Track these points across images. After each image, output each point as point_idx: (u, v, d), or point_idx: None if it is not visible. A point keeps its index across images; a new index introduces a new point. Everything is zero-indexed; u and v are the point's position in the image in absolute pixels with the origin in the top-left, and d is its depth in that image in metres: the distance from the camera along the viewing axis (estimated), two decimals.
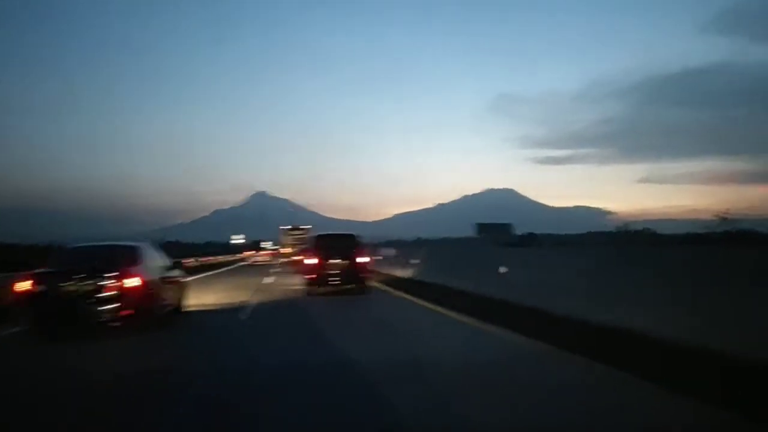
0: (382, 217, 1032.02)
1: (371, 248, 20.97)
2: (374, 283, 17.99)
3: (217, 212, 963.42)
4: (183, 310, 12.24)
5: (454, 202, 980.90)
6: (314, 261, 15.75)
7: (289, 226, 45.63)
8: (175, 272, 11.74)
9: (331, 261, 15.67)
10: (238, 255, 59.05)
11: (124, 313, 8.72)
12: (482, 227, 43.58)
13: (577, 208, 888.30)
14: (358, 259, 15.78)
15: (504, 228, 44.34)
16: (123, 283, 8.78)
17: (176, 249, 68.47)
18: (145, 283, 9.05)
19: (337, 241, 16.63)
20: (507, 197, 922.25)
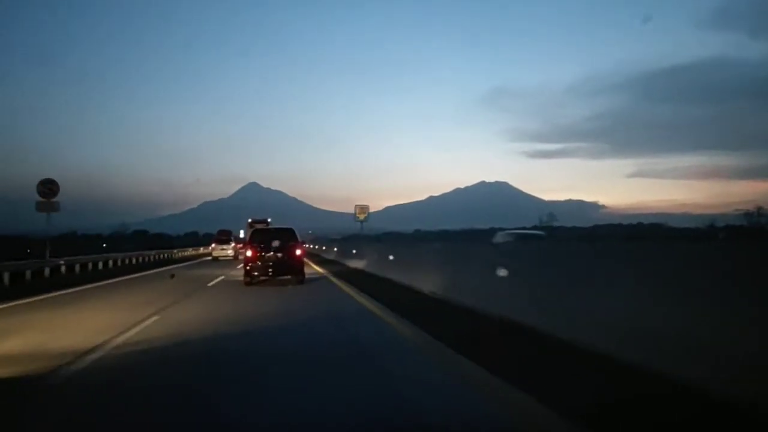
0: (374, 209, 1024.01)
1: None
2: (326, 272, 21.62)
3: (205, 203, 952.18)
4: None
5: (445, 195, 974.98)
6: (251, 253, 16.84)
7: (250, 219, 43.29)
8: None
9: (267, 254, 16.68)
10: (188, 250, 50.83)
11: None
12: None
13: (569, 201, 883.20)
14: (293, 252, 16.86)
15: None
16: None
17: (143, 240, 61.40)
18: None
19: (274, 235, 17.69)
20: (500, 190, 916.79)
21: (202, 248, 53.67)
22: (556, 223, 57.12)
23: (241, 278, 17.10)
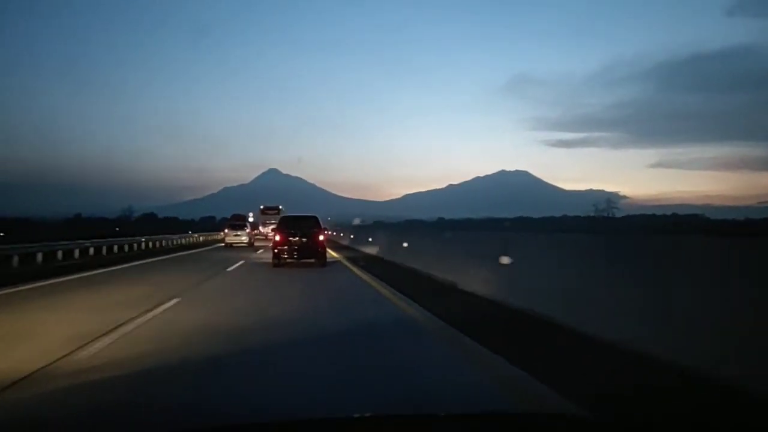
0: (392, 197, 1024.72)
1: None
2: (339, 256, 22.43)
3: (225, 189, 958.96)
4: None
5: (465, 183, 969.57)
6: (278, 238, 18.25)
7: (262, 206, 47.52)
8: None
9: (293, 238, 18.10)
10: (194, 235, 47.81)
11: None
12: None
13: (590, 191, 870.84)
14: (317, 237, 18.31)
15: None
16: None
17: (152, 224, 59.26)
18: None
19: (300, 222, 19.15)
20: (521, 179, 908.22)
21: (214, 234, 51.85)
22: (616, 213, 48.63)
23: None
